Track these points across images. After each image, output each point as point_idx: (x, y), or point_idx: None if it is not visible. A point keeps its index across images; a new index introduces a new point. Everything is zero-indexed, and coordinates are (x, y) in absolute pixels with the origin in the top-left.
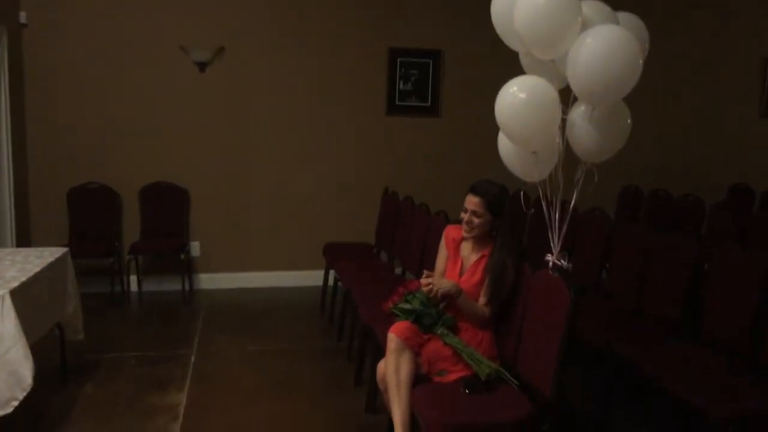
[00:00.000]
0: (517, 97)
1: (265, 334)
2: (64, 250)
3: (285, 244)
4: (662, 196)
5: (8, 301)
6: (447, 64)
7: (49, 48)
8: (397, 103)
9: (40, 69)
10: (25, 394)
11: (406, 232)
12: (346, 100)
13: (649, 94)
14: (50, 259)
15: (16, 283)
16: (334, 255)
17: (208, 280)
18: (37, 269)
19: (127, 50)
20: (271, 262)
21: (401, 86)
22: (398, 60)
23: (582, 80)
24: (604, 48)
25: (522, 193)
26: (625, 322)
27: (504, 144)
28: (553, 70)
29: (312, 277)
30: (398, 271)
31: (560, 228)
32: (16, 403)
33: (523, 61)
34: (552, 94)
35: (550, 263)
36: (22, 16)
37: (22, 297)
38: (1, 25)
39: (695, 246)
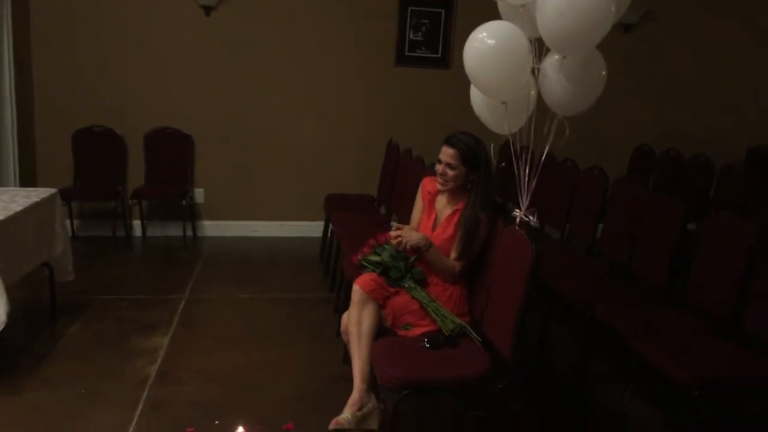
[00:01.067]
0: (485, 43)
1: (259, 283)
2: (52, 191)
3: (290, 194)
4: (672, 156)
5: None
6: (459, 14)
7: None
8: (406, 53)
9: (45, 11)
10: None
11: (402, 185)
12: (354, 49)
13: (674, 53)
14: (36, 199)
15: None
16: (333, 206)
17: (211, 228)
18: (19, 208)
19: None
20: (276, 212)
21: (411, 36)
22: (409, 9)
23: (549, 27)
24: None
25: (492, 146)
26: (612, 284)
27: (475, 93)
28: (525, 16)
29: (315, 228)
30: (394, 224)
31: (528, 184)
32: None
33: (500, 7)
34: (522, 40)
35: (518, 219)
36: None
37: (1, 236)
38: None
39: (681, 207)
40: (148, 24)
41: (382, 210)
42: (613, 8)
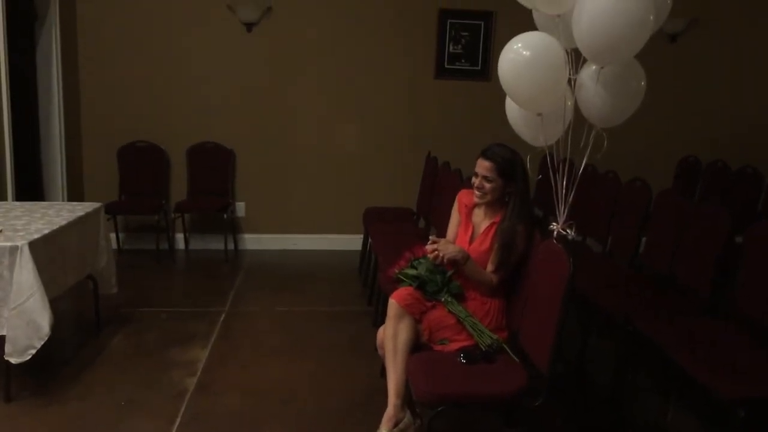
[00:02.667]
0: (521, 55)
1: (299, 296)
2: (97, 205)
3: (329, 207)
4: (719, 167)
5: (26, 252)
6: (499, 26)
7: (100, 7)
8: (446, 66)
9: (92, 30)
10: (42, 342)
11: (441, 198)
12: (394, 62)
13: (720, 61)
14: (80, 213)
15: (37, 235)
16: (372, 219)
17: (252, 241)
18: (63, 222)
19: (176, 10)
20: (315, 225)
21: (451, 49)
22: (448, 22)
23: (586, 37)
24: (608, 2)
25: (528, 157)
26: (653, 296)
27: (510, 106)
28: (561, 26)
29: (355, 242)
30: (431, 237)
31: (566, 197)
32: (33, 352)
33: (536, 18)
34: (558, 51)
35: (555, 232)
36: None
37: (45, 249)
38: None
39: (728, 216)
40: (191, 41)
41: (421, 223)
42: (651, 17)
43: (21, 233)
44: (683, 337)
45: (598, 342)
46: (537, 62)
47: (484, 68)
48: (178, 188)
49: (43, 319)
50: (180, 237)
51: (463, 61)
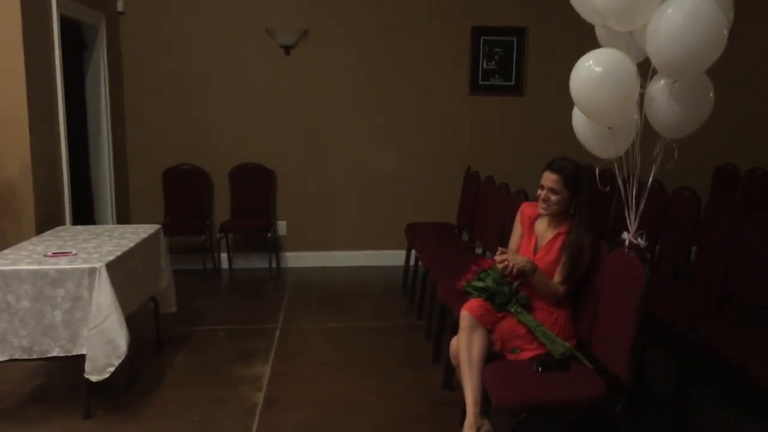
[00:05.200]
0: (593, 71)
1: (347, 312)
2: (157, 227)
3: (369, 223)
4: (760, 176)
5: (104, 274)
6: (531, 41)
7: (144, 35)
8: (480, 82)
9: (136, 56)
10: (120, 361)
11: (485, 212)
12: (429, 79)
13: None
14: (144, 235)
15: (111, 257)
16: (415, 234)
17: (294, 259)
18: (132, 244)
19: (216, 35)
20: (356, 242)
21: (485, 65)
22: (481, 38)
23: (662, 52)
24: (685, 18)
25: (596, 170)
26: (711, 304)
27: (579, 119)
28: (630, 42)
29: (395, 257)
30: (478, 251)
31: (637, 206)
32: (111, 369)
33: (599, 33)
34: (629, 67)
35: (627, 242)
36: (119, 5)
37: (118, 270)
38: (100, 13)
39: None
40: (231, 65)
41: (464, 237)
42: (725, 32)
43: (95, 255)
44: (752, 348)
45: (653, 351)
46: (609, 78)
47: (518, 83)
48: (222, 209)
49: (120, 338)
50: (224, 257)
51: (496, 76)
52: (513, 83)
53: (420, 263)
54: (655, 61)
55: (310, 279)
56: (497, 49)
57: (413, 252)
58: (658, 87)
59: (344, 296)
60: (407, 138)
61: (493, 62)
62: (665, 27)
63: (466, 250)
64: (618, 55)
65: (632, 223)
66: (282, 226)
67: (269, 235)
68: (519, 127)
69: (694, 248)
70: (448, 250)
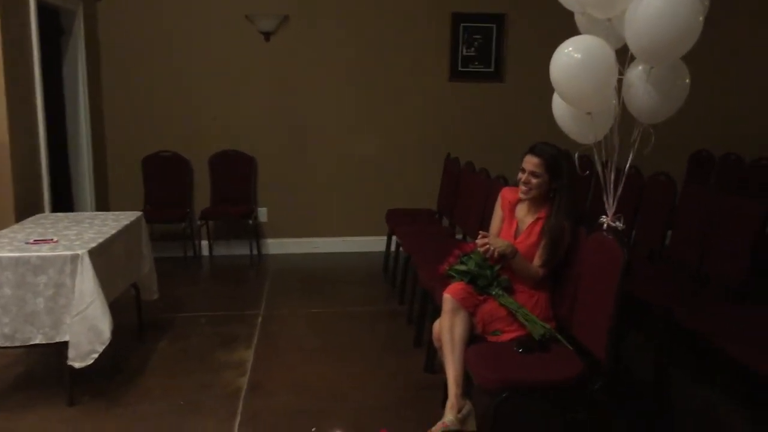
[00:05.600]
0: (572, 57)
1: (328, 297)
2: (139, 214)
3: (350, 210)
4: (733, 160)
5: (87, 260)
6: (510, 28)
7: (123, 21)
8: (460, 68)
9: (114, 42)
10: (103, 347)
11: (466, 198)
12: (409, 66)
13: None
14: (126, 222)
15: (93, 244)
16: (396, 221)
17: (275, 245)
18: (113, 231)
19: (196, 21)
20: (337, 228)
21: (464, 51)
22: (461, 25)
23: (640, 39)
24: (662, 5)
25: (576, 155)
26: (687, 286)
27: (558, 105)
28: (609, 29)
29: (376, 243)
30: (459, 236)
31: (615, 190)
32: (95, 356)
33: (578, 20)
34: (608, 53)
35: (605, 225)
36: None
37: (100, 257)
38: (77, 0)
39: (759, 207)
40: (211, 52)
41: (444, 222)
42: (701, 18)
43: (77, 243)
44: (727, 326)
45: (631, 332)
46: (588, 64)
47: (498, 70)
48: (202, 196)
49: (104, 325)
50: (205, 244)
51: (476, 63)
52: (493, 69)
53: (401, 249)
54: (633, 48)
55: (292, 265)
56: (477, 36)
57: (394, 238)
58: (636, 73)
59: (326, 282)
60: (388, 124)
61: (473, 48)
62: (642, 13)
63: (447, 235)
64: (596, 41)
65: (610, 206)
66: (263, 213)
67: (250, 222)
68: (499, 113)
69: (669, 232)
70: (429, 235)
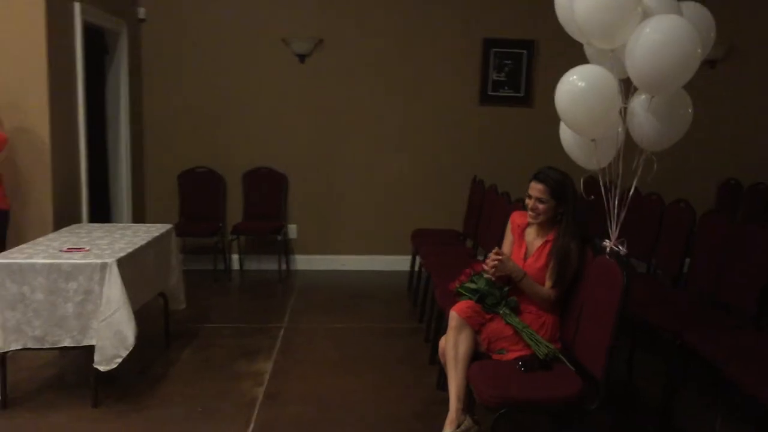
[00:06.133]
0: (576, 86)
1: (352, 314)
2: (169, 226)
3: (377, 229)
4: (761, 189)
5: (115, 269)
6: (541, 54)
7: (164, 42)
8: (489, 93)
9: (155, 62)
10: (127, 352)
11: (488, 220)
12: (439, 90)
13: (758, 86)
14: (156, 234)
15: (122, 253)
16: (420, 240)
17: (303, 261)
18: (143, 242)
19: (234, 44)
20: (364, 247)
21: (494, 76)
22: (492, 50)
23: (639, 69)
24: (661, 38)
25: (582, 180)
26: (701, 312)
27: (565, 131)
28: (613, 59)
29: (402, 262)
30: (480, 257)
31: (618, 215)
32: (119, 360)
33: (587, 50)
34: (611, 82)
35: (608, 248)
36: (141, 12)
37: (128, 266)
38: (122, 20)
39: None
40: (248, 73)
41: (468, 243)
42: (699, 50)
43: (107, 251)
44: (732, 351)
45: (645, 357)
46: (591, 93)
47: (527, 95)
48: (234, 211)
49: (128, 330)
50: (235, 258)
51: (506, 88)
52: (522, 94)
53: (423, 268)
54: (634, 78)
55: (318, 282)
56: (507, 61)
57: (418, 257)
58: (639, 102)
59: (350, 299)
60: (417, 146)
61: (503, 74)
62: (642, 46)
63: (468, 256)
64: (600, 71)
65: (613, 231)
66: (293, 230)
67: (279, 238)
68: (527, 138)
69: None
70: (450, 256)
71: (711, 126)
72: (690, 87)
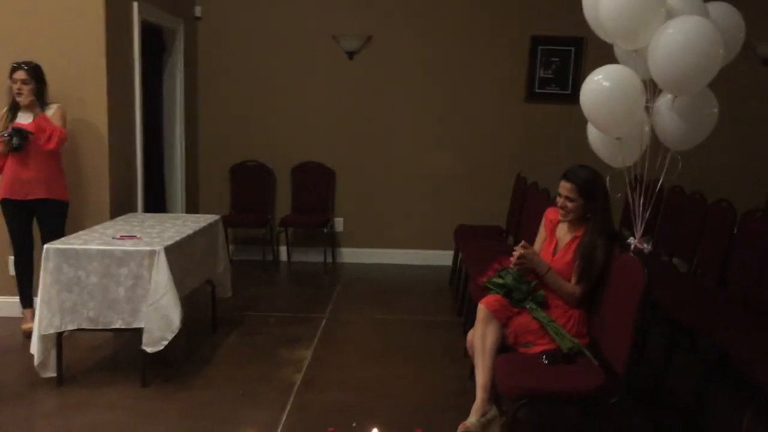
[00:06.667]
0: (601, 85)
1: (393, 306)
2: (216, 217)
3: (423, 223)
4: None
5: (162, 256)
6: (589, 51)
7: (219, 39)
8: (536, 90)
9: (211, 58)
10: (173, 335)
11: (529, 216)
12: (486, 87)
13: None
14: (204, 224)
15: (170, 242)
16: (463, 236)
17: (349, 254)
18: (191, 231)
19: (286, 41)
20: (409, 241)
21: (541, 73)
22: (539, 48)
23: (661, 70)
24: (682, 38)
25: (608, 178)
26: (737, 314)
27: (591, 130)
28: (638, 59)
29: (446, 257)
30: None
31: (643, 213)
32: (165, 343)
33: (616, 50)
34: (635, 82)
35: (632, 246)
36: (197, 10)
37: (176, 253)
38: (179, 18)
39: None
40: (298, 70)
41: (510, 240)
42: (721, 51)
43: (157, 240)
44: (757, 352)
45: (686, 357)
46: (615, 92)
47: (574, 92)
48: (283, 204)
49: (175, 314)
50: (283, 249)
51: (553, 85)
52: (569, 92)
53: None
54: (656, 78)
55: (363, 274)
56: (554, 59)
57: (460, 253)
58: (663, 102)
59: (393, 292)
60: (463, 142)
61: (550, 71)
62: (664, 46)
63: (507, 251)
64: (625, 71)
65: (638, 229)
66: (339, 223)
67: (326, 230)
68: (573, 135)
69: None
70: (489, 251)
71: (764, 125)
72: (742, 84)
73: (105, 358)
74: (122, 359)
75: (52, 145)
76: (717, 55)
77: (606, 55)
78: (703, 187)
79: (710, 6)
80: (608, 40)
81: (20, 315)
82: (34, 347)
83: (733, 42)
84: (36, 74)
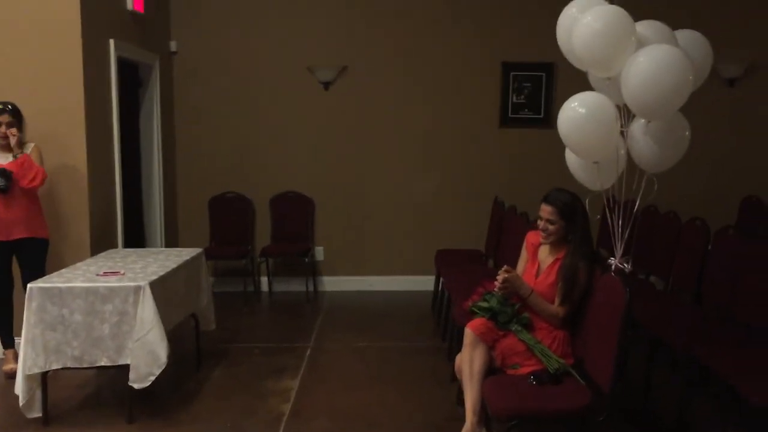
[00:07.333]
0: (577, 112)
1: (377, 333)
2: (199, 250)
3: (402, 250)
4: None
5: (148, 291)
6: (559, 76)
7: (195, 73)
8: (510, 115)
9: (187, 92)
10: (160, 370)
11: (507, 240)
12: (461, 113)
13: None
14: (186, 258)
15: (154, 277)
16: (443, 261)
17: (330, 282)
18: (174, 265)
19: (261, 73)
20: (389, 267)
21: (514, 99)
22: (511, 74)
23: (634, 96)
24: (653, 66)
25: (587, 201)
26: (712, 329)
27: (569, 155)
28: (612, 86)
29: (427, 282)
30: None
31: (622, 233)
32: (152, 378)
33: (590, 78)
34: (609, 108)
35: (613, 266)
36: (173, 45)
37: (160, 288)
38: (154, 53)
39: None
40: (274, 101)
41: (490, 263)
42: (691, 77)
43: (141, 275)
44: (741, 365)
45: (664, 373)
46: (590, 118)
47: (547, 116)
48: (263, 235)
49: (161, 350)
50: (264, 280)
51: (526, 110)
52: (542, 116)
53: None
54: (629, 104)
55: (345, 302)
56: (526, 84)
57: (441, 278)
58: (637, 126)
59: (376, 319)
60: (440, 168)
61: (523, 96)
62: (634, 74)
63: (489, 276)
64: (599, 97)
65: (618, 249)
66: (320, 252)
67: (307, 260)
68: (547, 158)
69: None
70: (471, 276)
71: (732, 144)
72: (708, 104)
73: (90, 396)
74: (107, 396)
75: (35, 184)
76: (687, 81)
77: (577, 79)
78: (676, 206)
79: (678, 34)
80: (582, 68)
81: (1, 356)
82: (19, 388)
83: (702, 67)
84: (19, 115)
